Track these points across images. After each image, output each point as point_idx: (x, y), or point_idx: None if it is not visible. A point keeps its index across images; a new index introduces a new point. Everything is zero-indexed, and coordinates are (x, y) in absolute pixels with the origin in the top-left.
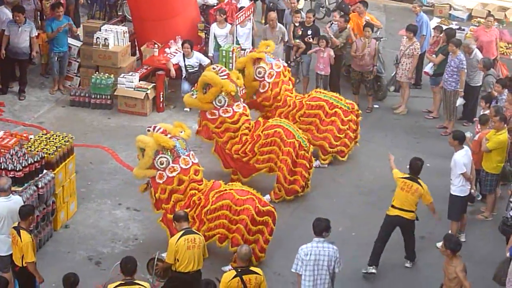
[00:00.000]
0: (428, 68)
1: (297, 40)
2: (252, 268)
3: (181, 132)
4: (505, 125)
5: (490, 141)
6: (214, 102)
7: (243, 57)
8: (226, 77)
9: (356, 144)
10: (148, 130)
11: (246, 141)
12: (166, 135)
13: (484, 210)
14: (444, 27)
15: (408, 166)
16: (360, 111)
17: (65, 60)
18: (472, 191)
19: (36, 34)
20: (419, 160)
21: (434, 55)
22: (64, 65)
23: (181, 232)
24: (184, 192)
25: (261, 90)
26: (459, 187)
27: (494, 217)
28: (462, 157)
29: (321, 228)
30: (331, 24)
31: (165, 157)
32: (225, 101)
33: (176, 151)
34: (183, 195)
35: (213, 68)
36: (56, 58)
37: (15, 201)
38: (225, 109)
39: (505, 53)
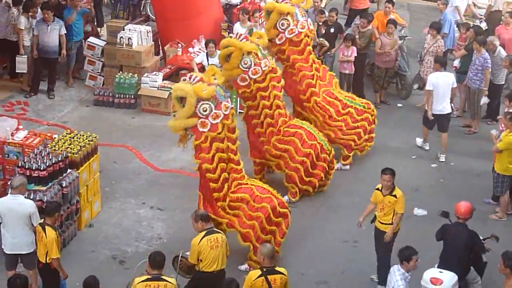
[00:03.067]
0: (456, 62)
1: (321, 39)
2: (277, 268)
3: (214, 78)
4: None
5: (501, 142)
6: (240, 66)
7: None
8: (245, 40)
9: (370, 144)
10: (184, 79)
11: (268, 124)
12: (203, 82)
13: (497, 211)
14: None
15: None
16: (375, 111)
17: (82, 48)
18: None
19: (65, 32)
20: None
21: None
22: (81, 52)
23: (204, 232)
24: (223, 142)
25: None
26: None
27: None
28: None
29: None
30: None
31: (207, 104)
32: (251, 62)
33: (217, 97)
34: (223, 144)
35: (230, 36)
36: (75, 49)
37: (20, 203)
38: (254, 69)
39: None
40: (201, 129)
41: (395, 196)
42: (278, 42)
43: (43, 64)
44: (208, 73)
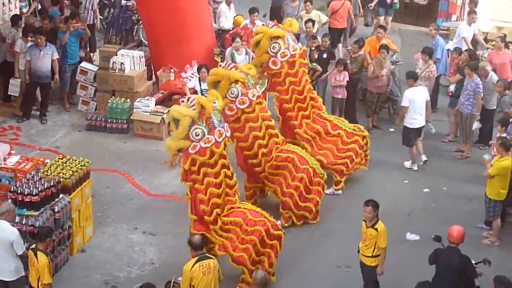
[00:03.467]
0: (452, 87)
1: (314, 64)
2: None
3: (215, 102)
4: (508, 152)
5: (492, 167)
6: (227, 95)
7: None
8: (233, 68)
9: (363, 167)
10: (182, 101)
11: (262, 153)
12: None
13: (489, 235)
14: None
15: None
16: (367, 134)
17: (76, 71)
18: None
19: (58, 57)
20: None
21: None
22: (74, 75)
23: (196, 258)
24: (215, 167)
25: (272, 67)
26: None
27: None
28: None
29: None
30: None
31: (200, 128)
32: (238, 91)
33: (212, 122)
34: (213, 170)
35: (220, 65)
36: (69, 72)
37: (2, 229)
38: (241, 99)
39: None
40: (190, 151)
41: (376, 229)
42: (272, 67)
43: (36, 89)
44: (209, 99)
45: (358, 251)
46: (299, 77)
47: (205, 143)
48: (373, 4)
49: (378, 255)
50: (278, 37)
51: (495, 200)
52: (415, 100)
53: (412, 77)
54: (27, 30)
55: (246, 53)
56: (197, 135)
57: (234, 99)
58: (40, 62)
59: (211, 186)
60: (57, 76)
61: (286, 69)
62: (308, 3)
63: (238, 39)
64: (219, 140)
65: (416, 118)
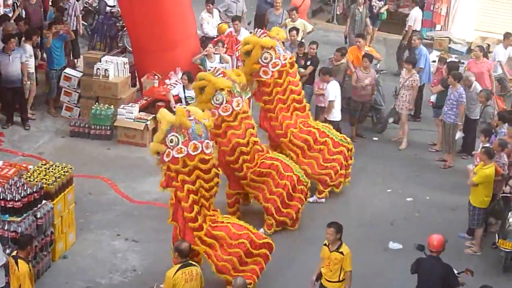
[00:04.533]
0: (433, 97)
1: (302, 70)
2: None
3: (206, 120)
4: (491, 160)
5: (476, 175)
6: (212, 101)
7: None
8: (221, 75)
9: (347, 180)
10: (175, 107)
11: (244, 160)
12: (189, 116)
13: (471, 245)
14: (448, 60)
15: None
16: (352, 147)
17: (61, 76)
18: None
19: (25, 60)
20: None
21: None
22: (59, 81)
23: (179, 265)
24: (191, 176)
25: (264, 76)
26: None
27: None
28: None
29: None
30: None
31: (175, 136)
32: (223, 98)
33: (189, 134)
34: (189, 178)
35: (208, 70)
36: (56, 78)
37: None
38: (225, 106)
39: None
40: (164, 158)
41: (341, 253)
42: (263, 76)
43: (10, 94)
44: (205, 113)
45: (318, 279)
46: (283, 87)
47: (178, 152)
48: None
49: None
50: (269, 47)
51: (479, 208)
52: (338, 95)
53: (328, 73)
54: (8, 37)
55: (220, 61)
56: (171, 142)
57: (218, 106)
58: (10, 66)
59: (192, 193)
60: (25, 78)
61: (275, 78)
62: (294, 12)
63: (211, 46)
64: (192, 153)
65: (337, 111)
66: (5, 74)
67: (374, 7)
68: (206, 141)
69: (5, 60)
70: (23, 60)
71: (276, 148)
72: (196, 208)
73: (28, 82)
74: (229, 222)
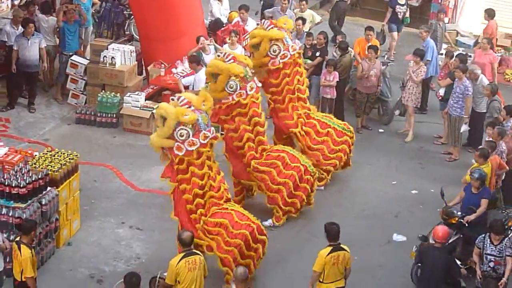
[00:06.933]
0: (441, 91)
1: (308, 61)
2: None
3: (203, 104)
4: (487, 160)
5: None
6: (226, 89)
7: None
8: (232, 61)
9: (348, 167)
10: (172, 99)
11: (249, 147)
12: (190, 107)
13: None
14: (456, 53)
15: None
16: (353, 135)
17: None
18: None
19: (45, 45)
20: (335, 224)
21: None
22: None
23: (182, 254)
24: (202, 166)
25: (272, 68)
26: None
27: None
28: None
29: None
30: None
31: (185, 130)
32: (237, 85)
33: (198, 125)
34: (200, 171)
35: (218, 56)
36: (65, 63)
37: None
38: (239, 93)
39: (510, 81)
40: (176, 152)
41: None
42: (272, 67)
43: (24, 79)
44: (199, 99)
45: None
46: (291, 77)
47: (190, 145)
48: (384, 23)
49: None
50: (277, 39)
51: None
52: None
53: (334, 66)
54: (26, 22)
55: (215, 53)
56: (181, 136)
57: (232, 92)
58: (28, 51)
59: (196, 187)
60: (45, 64)
61: (283, 69)
62: (304, 2)
63: (204, 40)
64: (203, 142)
65: None
66: (22, 58)
67: (399, 13)
68: (212, 128)
69: (24, 43)
70: (42, 45)
71: (281, 140)
72: (197, 201)
73: (45, 65)
74: (233, 209)
